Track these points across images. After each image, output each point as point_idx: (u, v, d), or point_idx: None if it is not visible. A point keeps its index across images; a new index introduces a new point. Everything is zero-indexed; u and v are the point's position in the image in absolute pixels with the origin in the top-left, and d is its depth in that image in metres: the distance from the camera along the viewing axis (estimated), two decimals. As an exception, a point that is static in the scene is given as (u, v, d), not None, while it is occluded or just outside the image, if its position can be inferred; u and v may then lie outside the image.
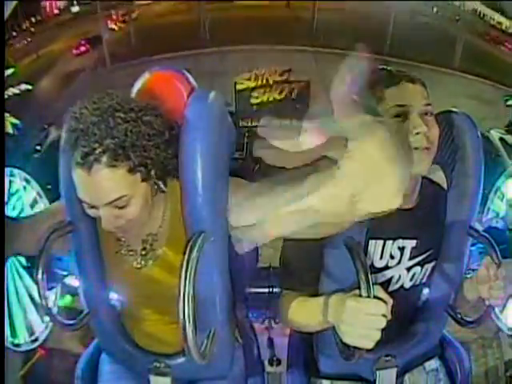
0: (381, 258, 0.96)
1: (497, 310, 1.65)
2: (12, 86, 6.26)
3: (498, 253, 0.88)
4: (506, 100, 6.59)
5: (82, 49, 7.49)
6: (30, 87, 6.52)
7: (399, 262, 0.98)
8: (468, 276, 1.02)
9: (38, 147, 4.93)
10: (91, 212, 0.85)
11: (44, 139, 5.23)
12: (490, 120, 5.91)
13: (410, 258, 0.98)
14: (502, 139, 5.64)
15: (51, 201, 1.71)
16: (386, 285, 0.98)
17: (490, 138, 5.62)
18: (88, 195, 0.82)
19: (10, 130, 5.58)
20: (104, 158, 0.78)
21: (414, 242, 0.97)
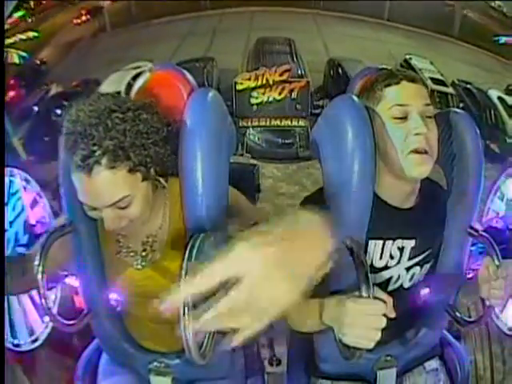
0: (380, 257, 0.96)
1: (497, 309, 1.65)
2: (19, 33, 6.48)
3: (498, 253, 0.87)
4: (497, 40, 6.77)
5: (83, 18, 7.57)
6: (36, 34, 6.71)
7: (399, 262, 0.98)
8: (468, 276, 1.02)
9: (36, 107, 5.22)
10: (93, 214, 0.85)
11: (45, 95, 5.58)
12: (489, 84, 5.98)
13: (410, 258, 0.98)
14: (500, 98, 5.78)
15: (51, 199, 1.72)
16: (385, 285, 0.98)
17: (489, 95, 5.73)
18: (89, 198, 0.82)
19: (16, 60, 5.87)
20: (104, 160, 0.78)
21: (413, 242, 0.97)
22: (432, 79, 5.54)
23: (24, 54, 6.27)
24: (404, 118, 0.87)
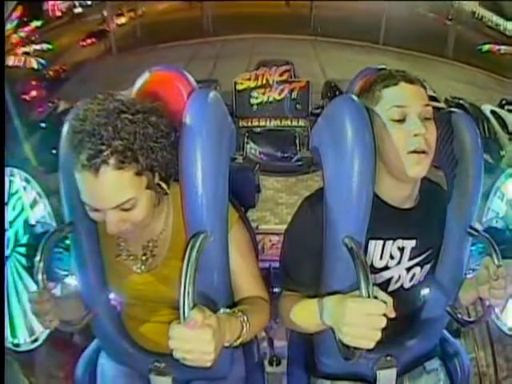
0: (381, 258, 0.96)
1: (497, 310, 1.65)
2: (34, 43, 6.72)
3: (498, 253, 0.87)
4: (480, 49, 6.95)
5: (88, 41, 7.77)
6: (50, 47, 6.98)
7: (399, 263, 0.98)
8: (468, 276, 1.02)
9: (43, 124, 5.45)
10: (95, 216, 0.84)
11: (53, 111, 5.81)
12: (482, 101, 6.17)
13: (410, 259, 0.98)
14: (493, 111, 5.93)
15: (51, 200, 1.72)
16: (385, 285, 0.98)
17: (482, 110, 5.89)
18: (94, 199, 0.81)
19: (34, 65, 6.14)
20: (112, 160, 0.77)
21: (413, 243, 0.97)
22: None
23: (42, 61, 6.50)
24: (402, 120, 0.87)
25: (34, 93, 6.38)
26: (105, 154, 0.76)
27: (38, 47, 6.99)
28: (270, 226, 2.00)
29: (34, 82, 6.35)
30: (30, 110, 5.95)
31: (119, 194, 0.80)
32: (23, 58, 6.57)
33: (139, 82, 0.98)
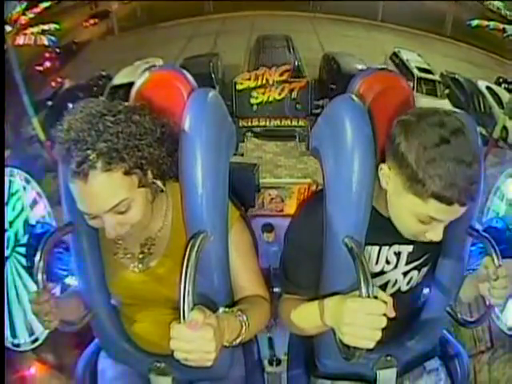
0: (376, 263, 0.96)
1: (497, 309, 1.65)
2: (42, 23, 6.86)
3: (498, 253, 0.87)
4: (470, 24, 7.07)
5: (91, 21, 7.87)
6: (57, 26, 7.08)
7: (395, 267, 0.97)
8: (468, 276, 1.02)
9: (49, 102, 5.59)
10: (94, 223, 0.85)
11: (58, 90, 6.09)
12: (478, 78, 6.28)
13: (407, 263, 0.97)
14: (488, 87, 6.05)
15: (51, 201, 1.73)
16: (382, 288, 0.97)
17: (477, 85, 5.99)
18: (88, 205, 0.81)
19: (45, 42, 6.25)
20: (99, 164, 0.77)
21: (410, 248, 0.96)
22: (418, 68, 5.90)
23: (53, 38, 6.64)
24: (427, 223, 0.83)
25: (47, 63, 6.51)
26: (91, 158, 0.77)
27: (46, 27, 7.08)
28: (269, 180, 2.01)
29: (47, 54, 6.50)
30: (39, 86, 6.06)
31: (111, 196, 0.80)
32: (33, 37, 6.67)
33: (139, 82, 0.98)
